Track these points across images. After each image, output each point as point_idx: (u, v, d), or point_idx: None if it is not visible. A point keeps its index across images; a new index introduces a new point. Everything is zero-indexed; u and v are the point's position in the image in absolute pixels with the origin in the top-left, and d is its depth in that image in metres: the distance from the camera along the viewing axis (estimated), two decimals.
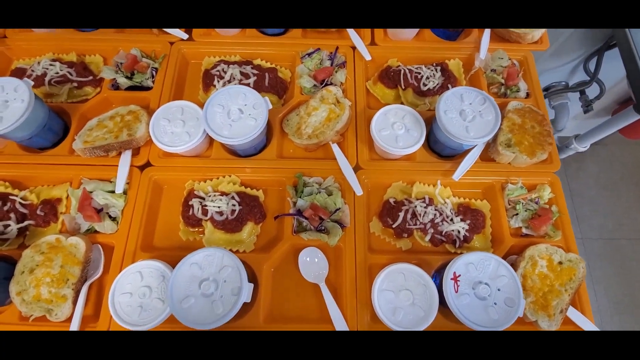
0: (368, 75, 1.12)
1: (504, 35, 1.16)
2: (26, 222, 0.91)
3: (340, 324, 0.81)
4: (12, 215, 0.90)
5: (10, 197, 0.92)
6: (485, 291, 0.74)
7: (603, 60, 1.35)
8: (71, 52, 1.11)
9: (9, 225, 0.90)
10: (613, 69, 1.34)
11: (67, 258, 0.84)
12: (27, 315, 0.81)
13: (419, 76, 1.06)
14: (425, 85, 1.05)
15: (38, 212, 0.91)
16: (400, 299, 0.78)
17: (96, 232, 0.91)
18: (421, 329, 0.75)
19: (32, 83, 0.95)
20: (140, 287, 0.79)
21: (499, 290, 0.75)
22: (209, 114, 0.87)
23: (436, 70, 1.08)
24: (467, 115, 0.89)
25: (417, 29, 1.15)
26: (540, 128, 1.00)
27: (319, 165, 0.98)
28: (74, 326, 0.80)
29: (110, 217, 0.92)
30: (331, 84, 1.06)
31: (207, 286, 0.73)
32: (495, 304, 0.73)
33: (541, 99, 1.09)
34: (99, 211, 0.89)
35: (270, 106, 0.89)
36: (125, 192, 0.93)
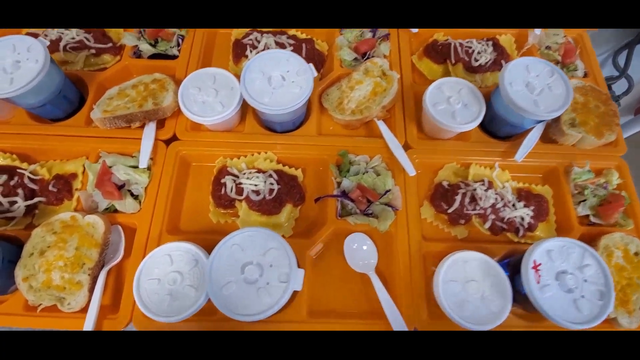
0: (413, 49, 1.03)
1: None
2: (36, 199, 0.81)
3: (396, 320, 0.71)
4: (19, 191, 0.80)
5: (18, 170, 0.82)
6: (571, 282, 0.64)
7: (633, 55, 1.27)
8: None
9: (16, 202, 0.79)
10: None
11: (83, 239, 0.73)
12: (34, 304, 0.71)
13: (470, 50, 0.97)
14: (476, 60, 0.96)
15: (50, 187, 0.81)
16: (468, 291, 0.68)
17: (116, 211, 0.80)
18: (495, 326, 0.65)
19: (48, 42, 0.85)
20: (169, 272, 0.68)
21: (585, 281, 0.65)
22: (247, 80, 0.78)
23: (487, 45, 0.99)
24: (535, 87, 0.80)
25: None
26: (606, 108, 0.91)
27: (363, 143, 0.89)
28: (90, 318, 0.69)
29: (132, 194, 0.81)
30: (373, 57, 0.97)
31: (251, 271, 0.63)
32: (582, 296, 0.64)
33: (601, 79, 1.00)
34: (119, 188, 0.79)
35: (316, 74, 0.79)
36: (149, 169, 0.83)
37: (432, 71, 1.00)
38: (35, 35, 0.95)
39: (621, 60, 1.30)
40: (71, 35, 0.94)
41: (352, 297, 0.78)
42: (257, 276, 0.63)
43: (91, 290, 0.72)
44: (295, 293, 0.73)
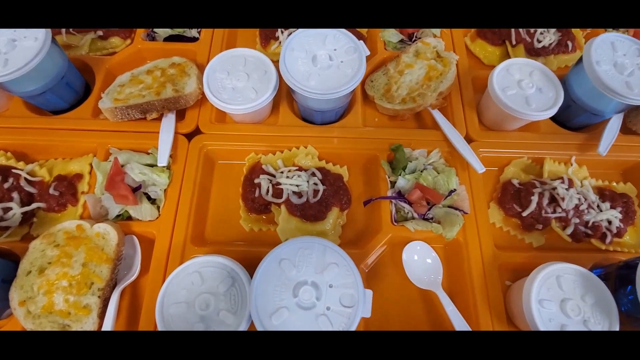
0: (464, 29, 0.91)
1: None
2: (34, 205, 0.68)
3: None
4: (14, 195, 0.67)
5: (14, 171, 0.69)
6: None
7: None
8: None
9: (10, 208, 0.66)
10: None
11: (92, 253, 0.60)
12: None
13: (532, 30, 0.85)
14: (539, 41, 0.84)
15: (51, 191, 0.68)
16: (567, 313, 0.56)
17: (130, 218, 0.68)
18: None
19: None
20: (200, 294, 0.55)
21: None
22: (288, 60, 0.65)
23: None
24: (626, 67, 0.68)
25: None
26: None
27: (417, 136, 0.76)
28: None
29: (149, 198, 0.69)
30: (422, 37, 0.85)
31: (306, 293, 0.50)
32: None
33: None
34: (134, 190, 0.66)
35: (368, 52, 0.67)
36: (168, 167, 0.71)
37: (488, 54, 0.88)
38: None
39: None
40: None
41: (415, 319, 0.65)
42: (313, 299, 0.50)
43: (101, 316, 0.59)
44: None
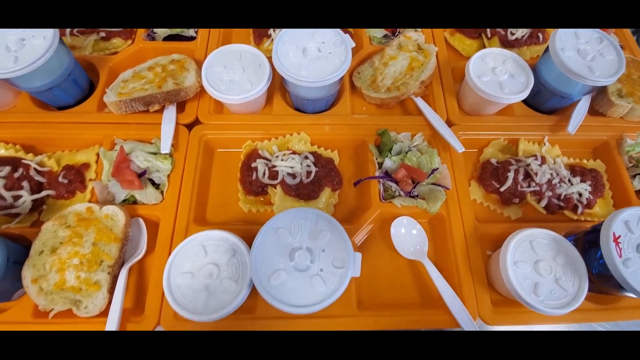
0: None
1: None
2: (44, 192, 0.72)
3: (459, 311, 0.63)
4: (24, 184, 0.71)
5: (23, 161, 0.73)
6: None
7: None
8: None
9: (21, 196, 0.70)
10: None
11: (101, 233, 0.64)
12: (45, 309, 0.61)
13: None
14: (512, 34, 0.91)
15: (60, 179, 0.72)
16: (540, 272, 0.61)
17: (135, 202, 0.72)
18: (575, 307, 0.58)
19: None
20: (204, 264, 0.60)
21: None
22: (280, 53, 0.71)
23: None
24: (588, 53, 0.75)
25: None
26: None
27: (401, 121, 0.82)
28: (113, 321, 0.60)
29: (153, 184, 0.73)
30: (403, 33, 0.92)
31: (301, 257, 0.55)
32: None
33: (636, 49, 0.96)
34: (139, 176, 0.71)
35: (354, 44, 0.73)
36: (170, 155, 0.75)
37: (466, 47, 0.94)
38: None
39: None
40: None
41: (404, 287, 0.70)
42: (308, 262, 0.55)
43: (111, 291, 0.63)
44: None
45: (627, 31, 1.00)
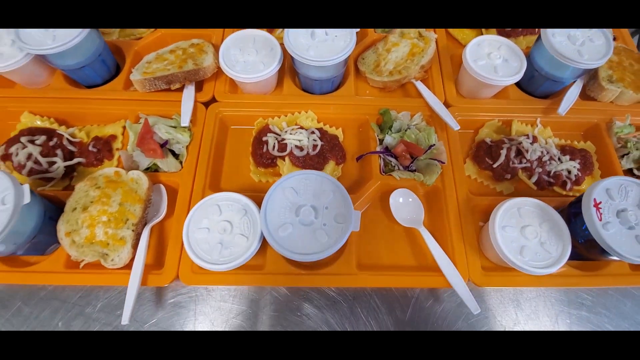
0: None
1: None
2: (75, 160, 0.79)
3: (451, 273, 0.68)
4: (58, 152, 0.79)
5: (58, 132, 0.81)
6: (632, 218, 0.62)
7: None
8: None
9: (55, 162, 0.78)
10: None
11: (127, 194, 0.72)
12: (77, 259, 0.68)
13: None
14: None
15: (90, 148, 0.80)
16: (526, 236, 0.66)
17: (157, 170, 0.79)
18: (558, 268, 0.63)
19: None
20: (219, 221, 0.66)
21: None
22: (290, 36, 0.78)
23: None
24: (577, 38, 0.80)
25: None
26: (639, 66, 0.91)
27: (402, 102, 0.88)
28: (136, 273, 0.67)
29: (173, 154, 0.80)
30: None
31: (306, 213, 0.61)
32: None
33: (629, 39, 1.01)
34: (161, 146, 0.78)
35: (358, 29, 0.79)
36: (189, 129, 0.82)
37: (465, 35, 1.00)
38: None
39: None
40: None
41: (400, 252, 0.75)
42: (312, 218, 0.61)
43: (135, 247, 0.70)
44: (344, 247, 0.71)
45: None
